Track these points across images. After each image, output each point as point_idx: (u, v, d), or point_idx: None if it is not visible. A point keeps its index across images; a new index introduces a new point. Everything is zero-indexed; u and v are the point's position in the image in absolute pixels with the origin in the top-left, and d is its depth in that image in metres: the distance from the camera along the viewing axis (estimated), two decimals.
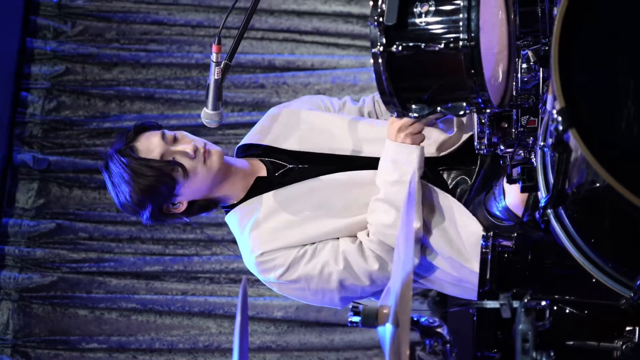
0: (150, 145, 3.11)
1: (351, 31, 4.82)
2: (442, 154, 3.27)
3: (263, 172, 3.25)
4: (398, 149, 3.08)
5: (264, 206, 3.17)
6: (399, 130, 3.07)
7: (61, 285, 4.70)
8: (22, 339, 4.68)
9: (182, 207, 3.17)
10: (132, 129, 3.15)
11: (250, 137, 3.35)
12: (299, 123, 3.29)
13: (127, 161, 3.08)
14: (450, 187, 3.28)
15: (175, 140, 3.13)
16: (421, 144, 3.10)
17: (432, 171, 3.26)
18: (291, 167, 3.26)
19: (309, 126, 3.29)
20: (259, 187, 3.21)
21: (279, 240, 3.13)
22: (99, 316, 4.71)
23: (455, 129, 3.29)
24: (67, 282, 4.70)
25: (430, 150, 3.25)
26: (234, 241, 3.35)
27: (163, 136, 3.12)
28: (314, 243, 3.15)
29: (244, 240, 3.17)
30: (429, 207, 3.16)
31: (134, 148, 3.11)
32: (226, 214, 3.25)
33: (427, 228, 3.15)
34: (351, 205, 3.16)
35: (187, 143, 3.12)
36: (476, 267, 2.98)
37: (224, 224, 4.50)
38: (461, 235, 3.13)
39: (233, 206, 3.22)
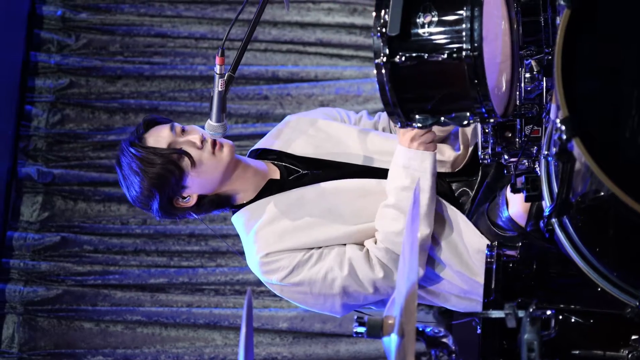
0: (159, 137, 3.14)
1: (354, 42, 4.82)
2: (456, 170, 3.28)
3: (276, 175, 3.26)
4: (411, 155, 3.08)
5: (272, 207, 3.17)
6: (412, 140, 3.07)
7: (66, 298, 4.70)
8: (27, 352, 4.68)
9: (192, 201, 3.17)
10: (142, 123, 3.18)
11: (264, 142, 3.36)
12: (315, 131, 3.31)
13: (136, 151, 3.11)
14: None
15: (183, 132, 3.16)
16: (434, 152, 3.11)
17: (443, 183, 3.26)
18: (305, 173, 3.26)
19: (324, 135, 3.30)
20: (270, 189, 3.22)
21: (285, 242, 3.13)
22: (104, 329, 4.71)
23: (460, 143, 3.29)
24: (72, 295, 4.70)
25: (445, 168, 3.26)
26: (238, 252, 3.35)
27: (172, 128, 3.16)
28: (320, 247, 3.15)
29: (250, 240, 3.17)
30: (438, 220, 3.15)
31: (143, 140, 3.14)
32: (233, 214, 3.25)
33: (436, 241, 3.15)
34: (360, 212, 3.16)
35: (195, 133, 3.14)
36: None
37: (228, 235, 4.52)
38: (469, 251, 3.13)
39: (241, 206, 3.22)
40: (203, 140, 3.13)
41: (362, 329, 2.41)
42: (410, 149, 3.08)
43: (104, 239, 4.74)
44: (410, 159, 3.08)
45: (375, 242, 3.13)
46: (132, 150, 3.12)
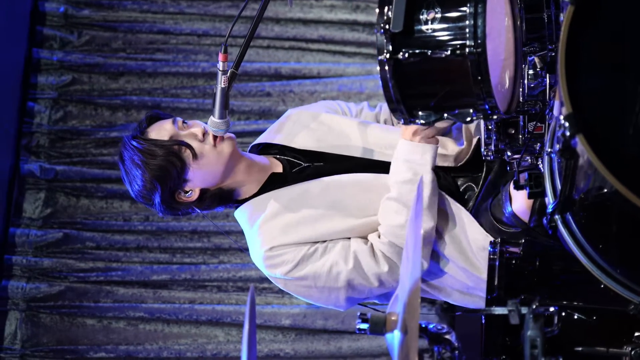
0: (161, 130, 3.16)
1: (357, 39, 4.82)
2: (459, 164, 3.28)
3: (279, 169, 3.26)
4: (412, 149, 3.08)
5: (276, 201, 3.18)
6: (414, 134, 3.08)
7: (69, 295, 4.70)
8: (30, 349, 4.68)
9: (194, 195, 3.17)
10: (145, 118, 3.19)
11: (266, 136, 3.37)
12: (316, 124, 3.31)
13: (138, 143, 3.13)
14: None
15: (186, 126, 3.16)
16: (436, 145, 3.11)
17: (448, 178, 3.26)
18: (307, 165, 3.27)
19: (326, 128, 3.31)
20: (273, 183, 3.22)
21: (289, 236, 3.13)
22: (107, 325, 4.72)
23: (464, 138, 3.30)
24: (75, 292, 4.70)
25: (449, 162, 3.26)
26: (242, 248, 3.35)
27: (174, 122, 3.18)
28: (324, 241, 3.15)
29: (253, 234, 3.17)
30: (442, 216, 3.15)
31: (145, 133, 3.16)
32: (235, 209, 3.25)
33: (440, 236, 3.15)
34: (365, 206, 3.16)
35: (197, 127, 3.16)
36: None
37: (231, 232, 4.53)
38: (472, 248, 3.13)
39: (244, 201, 3.22)
40: (205, 133, 3.15)
41: (365, 326, 2.41)
42: (412, 142, 3.09)
43: (106, 235, 4.74)
44: (411, 153, 3.09)
45: (379, 236, 3.13)
46: (134, 143, 3.13)
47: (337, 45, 4.85)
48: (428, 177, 3.08)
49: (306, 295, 3.19)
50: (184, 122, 3.18)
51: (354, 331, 4.55)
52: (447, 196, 3.18)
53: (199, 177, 3.15)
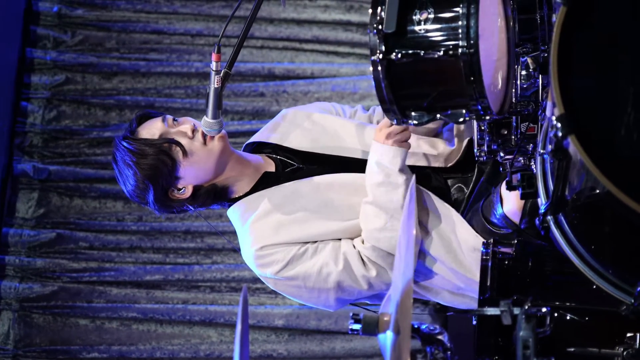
0: (151, 129, 3.17)
1: (351, 39, 4.82)
2: (449, 164, 3.28)
3: (271, 168, 3.27)
4: (383, 152, 3.09)
5: (268, 200, 3.18)
6: (387, 137, 3.08)
7: (62, 295, 4.69)
8: (22, 349, 4.67)
9: (188, 192, 3.18)
10: (135, 118, 3.20)
11: (260, 135, 3.37)
12: (310, 124, 3.32)
13: (128, 144, 3.14)
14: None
15: (176, 123, 3.17)
16: (407, 149, 3.11)
17: (439, 178, 3.27)
18: (300, 166, 3.27)
19: (320, 128, 3.31)
20: (265, 182, 3.23)
21: (280, 236, 3.13)
22: (100, 326, 4.71)
23: (455, 139, 3.30)
24: (68, 292, 4.69)
25: (439, 163, 3.26)
26: (235, 248, 3.35)
27: (164, 119, 3.19)
28: (315, 242, 3.15)
29: (245, 233, 3.18)
30: (432, 216, 3.16)
31: (136, 133, 3.17)
32: (228, 207, 3.25)
33: (430, 237, 3.15)
34: (355, 207, 3.17)
35: (187, 124, 3.16)
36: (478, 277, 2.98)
37: (224, 232, 4.52)
38: (462, 248, 3.13)
39: (237, 200, 3.22)
40: (194, 130, 3.15)
41: (357, 326, 2.41)
42: (384, 145, 3.09)
43: (99, 235, 4.74)
44: (382, 155, 3.09)
45: (362, 242, 3.14)
46: (125, 143, 3.14)
47: (331, 45, 4.85)
48: (399, 179, 3.08)
49: (296, 295, 3.20)
50: (174, 119, 3.19)
51: (347, 332, 4.54)
52: (436, 197, 3.18)
53: (191, 174, 3.16)
